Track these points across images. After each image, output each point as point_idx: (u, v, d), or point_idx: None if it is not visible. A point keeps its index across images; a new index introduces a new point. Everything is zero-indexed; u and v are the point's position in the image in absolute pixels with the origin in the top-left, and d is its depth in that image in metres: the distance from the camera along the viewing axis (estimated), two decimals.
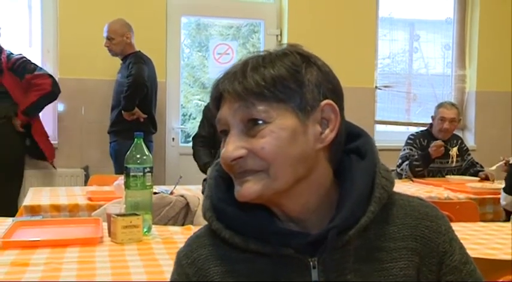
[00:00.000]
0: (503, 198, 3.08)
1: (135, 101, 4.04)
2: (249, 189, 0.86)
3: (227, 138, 0.88)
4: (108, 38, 4.14)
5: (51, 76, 4.10)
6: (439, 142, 3.86)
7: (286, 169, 0.86)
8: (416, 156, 3.93)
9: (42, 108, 4.16)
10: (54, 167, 4.37)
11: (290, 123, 0.86)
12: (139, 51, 4.20)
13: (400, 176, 3.97)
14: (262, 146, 0.85)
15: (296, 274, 0.88)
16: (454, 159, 3.97)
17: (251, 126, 0.86)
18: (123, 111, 4.06)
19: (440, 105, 4.09)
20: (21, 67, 4.00)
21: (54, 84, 4.08)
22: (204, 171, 3.37)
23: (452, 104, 4.14)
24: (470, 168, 4.07)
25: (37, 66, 4.11)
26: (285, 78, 0.86)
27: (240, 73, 0.87)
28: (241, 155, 0.86)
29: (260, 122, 0.85)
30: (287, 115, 0.86)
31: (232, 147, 0.86)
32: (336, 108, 0.89)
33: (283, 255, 0.88)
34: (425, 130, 4.16)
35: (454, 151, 3.96)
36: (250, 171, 0.86)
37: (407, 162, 3.93)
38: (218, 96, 0.90)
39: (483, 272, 0.96)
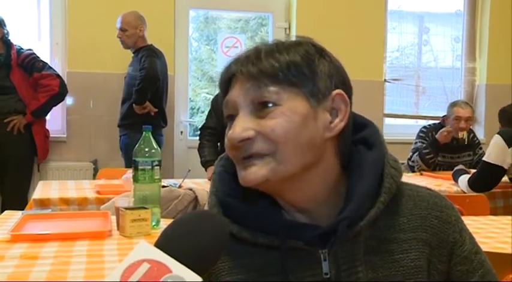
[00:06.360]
0: (464, 187, 3.16)
1: (147, 94, 4.04)
2: (254, 173, 0.85)
3: (234, 121, 0.87)
4: (122, 29, 4.13)
5: (58, 76, 4.09)
6: (448, 128, 3.84)
7: (295, 153, 0.84)
8: (424, 145, 3.93)
9: (51, 109, 4.16)
10: (38, 169, 4.31)
11: (301, 107, 0.85)
12: (152, 44, 4.19)
13: (412, 169, 3.95)
14: (272, 128, 0.84)
15: (306, 266, 0.87)
16: (465, 138, 3.95)
17: (261, 108, 0.85)
18: (134, 105, 4.05)
19: (454, 105, 4.02)
20: (30, 64, 4.00)
21: (62, 85, 4.07)
22: (203, 166, 3.37)
23: (466, 103, 4.11)
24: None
25: (46, 64, 4.09)
26: (299, 64, 0.86)
27: (254, 57, 0.86)
28: (250, 136, 0.84)
29: (270, 104, 0.84)
30: (298, 99, 0.85)
31: (240, 128, 0.85)
32: (346, 98, 0.89)
33: (293, 247, 0.86)
34: (438, 123, 4.13)
35: (463, 134, 3.95)
36: (256, 155, 0.85)
37: (417, 153, 3.92)
38: (229, 77, 0.88)
39: (494, 266, 0.95)
